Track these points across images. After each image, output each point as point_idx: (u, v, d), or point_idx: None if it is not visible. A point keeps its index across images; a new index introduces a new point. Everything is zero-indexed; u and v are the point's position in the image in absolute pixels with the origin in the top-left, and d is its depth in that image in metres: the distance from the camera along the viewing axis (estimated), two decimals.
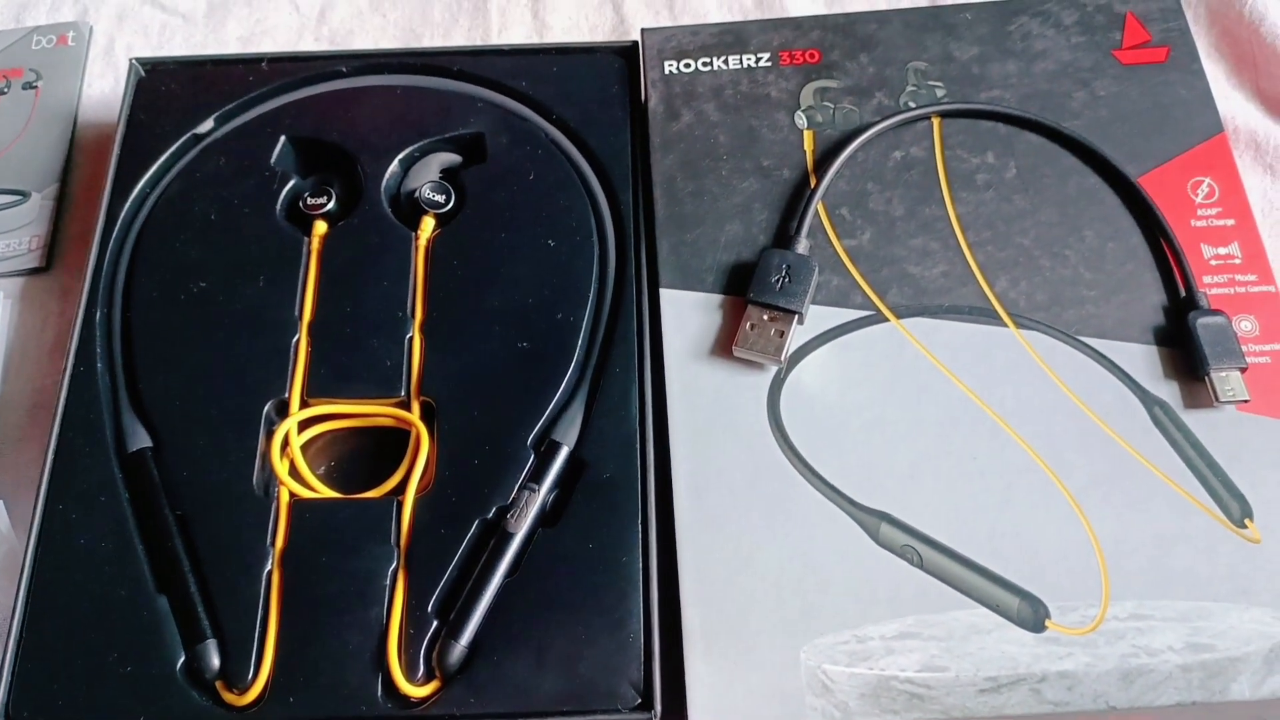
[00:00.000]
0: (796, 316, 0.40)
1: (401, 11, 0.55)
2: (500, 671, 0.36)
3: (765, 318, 0.40)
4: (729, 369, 0.40)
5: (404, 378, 0.41)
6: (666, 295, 0.42)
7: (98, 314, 0.43)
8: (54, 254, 0.49)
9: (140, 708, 0.36)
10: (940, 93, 0.45)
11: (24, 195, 0.50)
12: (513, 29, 0.54)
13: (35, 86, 0.52)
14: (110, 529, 0.39)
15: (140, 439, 0.40)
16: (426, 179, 0.46)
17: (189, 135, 0.46)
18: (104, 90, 0.53)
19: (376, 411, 0.41)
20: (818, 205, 0.42)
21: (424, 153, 0.46)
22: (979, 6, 0.47)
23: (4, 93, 0.52)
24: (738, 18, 0.54)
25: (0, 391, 0.46)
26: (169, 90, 0.48)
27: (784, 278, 0.41)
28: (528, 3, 0.55)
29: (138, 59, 0.48)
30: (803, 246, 0.41)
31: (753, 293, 0.40)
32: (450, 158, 0.47)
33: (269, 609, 0.37)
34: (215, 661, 0.37)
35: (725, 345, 0.41)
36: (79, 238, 0.49)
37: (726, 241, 0.43)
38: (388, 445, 0.42)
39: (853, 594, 0.36)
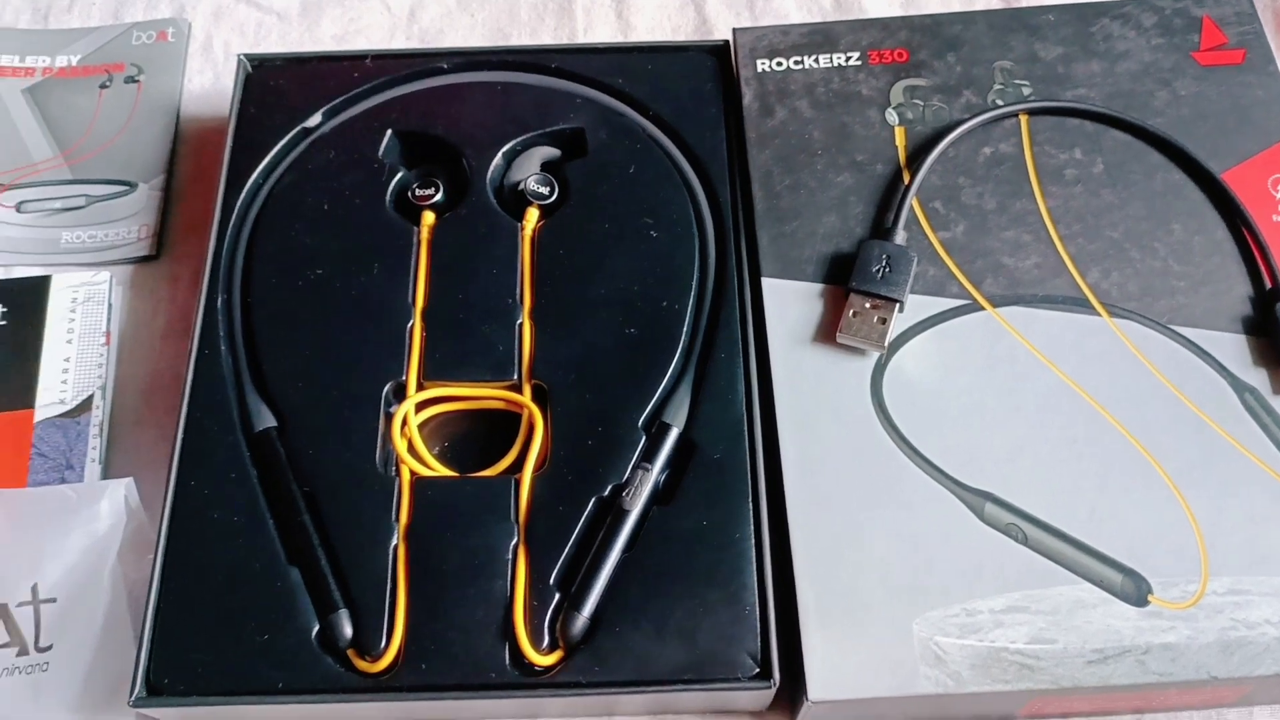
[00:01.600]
0: (898, 305, 0.42)
1: (489, 11, 0.57)
2: (622, 642, 0.38)
3: (867, 305, 0.42)
4: (831, 355, 0.42)
5: (516, 362, 0.43)
6: (768, 284, 0.43)
7: (218, 299, 0.44)
8: (162, 243, 0.51)
9: (278, 674, 0.38)
10: (1027, 91, 0.47)
11: (131, 186, 0.51)
12: (597, 28, 0.56)
13: (137, 81, 0.54)
14: (241, 504, 0.40)
15: (265, 419, 0.42)
16: (529, 172, 0.48)
17: (298, 129, 0.48)
18: (203, 85, 0.55)
19: (491, 394, 0.43)
20: (913, 199, 0.44)
21: (525, 146, 0.48)
22: (1060, 9, 0.49)
23: (106, 86, 0.54)
24: (816, 18, 0.56)
25: (115, 375, 0.47)
26: (276, 85, 0.49)
27: (884, 267, 0.42)
28: (611, 3, 0.57)
29: (245, 55, 0.49)
30: (900, 238, 0.43)
31: (855, 282, 0.42)
32: (550, 151, 0.48)
33: (397, 581, 0.39)
34: (348, 631, 0.38)
35: (827, 332, 0.42)
36: (186, 227, 0.51)
37: (824, 233, 0.44)
38: (497, 427, 0.43)
39: (960, 569, 0.38)
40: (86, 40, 0.56)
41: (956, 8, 0.55)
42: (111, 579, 0.41)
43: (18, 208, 0.51)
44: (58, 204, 0.51)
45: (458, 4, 0.57)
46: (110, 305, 0.48)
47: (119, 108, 0.53)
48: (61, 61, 0.55)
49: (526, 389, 0.43)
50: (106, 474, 0.45)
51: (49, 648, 0.40)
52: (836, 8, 0.56)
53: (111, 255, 0.50)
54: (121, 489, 0.42)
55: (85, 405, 0.45)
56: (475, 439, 0.43)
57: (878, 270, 0.42)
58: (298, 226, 0.46)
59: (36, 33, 0.56)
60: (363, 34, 0.56)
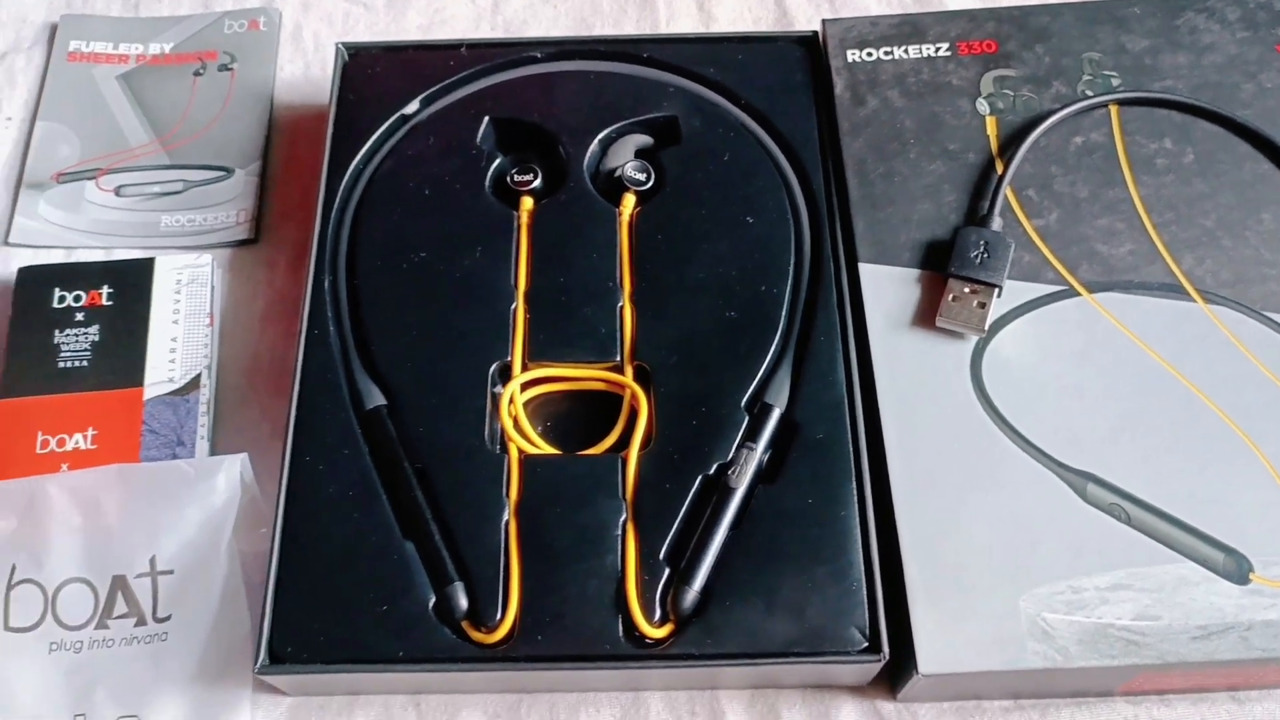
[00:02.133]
0: (997, 289, 0.42)
1: (571, 3, 0.58)
2: (732, 616, 0.39)
3: (966, 290, 0.43)
4: (930, 338, 0.43)
5: (618, 344, 0.44)
6: (865, 270, 0.44)
7: (325, 281, 0.45)
8: (259, 227, 0.52)
9: (397, 643, 0.39)
10: (1115, 82, 0.47)
11: (229, 171, 0.53)
12: (680, 20, 0.57)
13: (231, 69, 0.55)
14: (355, 479, 0.41)
15: (375, 397, 0.43)
16: (624, 159, 0.48)
17: (397, 116, 0.49)
18: (294, 74, 0.56)
19: (594, 375, 0.44)
20: (1008, 187, 0.45)
21: (620, 134, 0.49)
22: (1145, 2, 0.50)
23: (200, 74, 0.55)
24: (896, 10, 0.57)
25: (217, 356, 0.48)
26: (373, 73, 0.50)
27: (982, 253, 0.43)
28: None
29: (343, 43, 0.50)
30: (996, 224, 0.44)
31: (954, 267, 0.43)
32: (643, 139, 0.49)
33: (510, 555, 0.40)
34: (463, 602, 0.39)
35: (925, 316, 0.43)
36: (281, 212, 0.52)
37: (918, 220, 0.45)
38: (596, 406, 0.44)
39: (1064, 547, 0.39)
40: (179, 28, 0.57)
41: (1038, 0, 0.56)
42: (228, 552, 0.42)
43: (117, 191, 0.52)
44: (156, 189, 0.52)
45: None
46: (213, 287, 0.49)
47: (213, 95, 0.55)
48: (155, 49, 0.56)
49: (628, 370, 0.44)
50: (214, 450, 0.46)
51: (167, 618, 0.42)
52: (918, 1, 0.57)
53: (211, 239, 0.51)
54: (237, 464, 0.43)
55: (193, 384, 0.46)
56: (575, 418, 0.44)
57: (976, 256, 0.43)
58: (399, 211, 0.47)
59: (129, 20, 0.57)
60: (447, 24, 0.57)
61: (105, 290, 0.48)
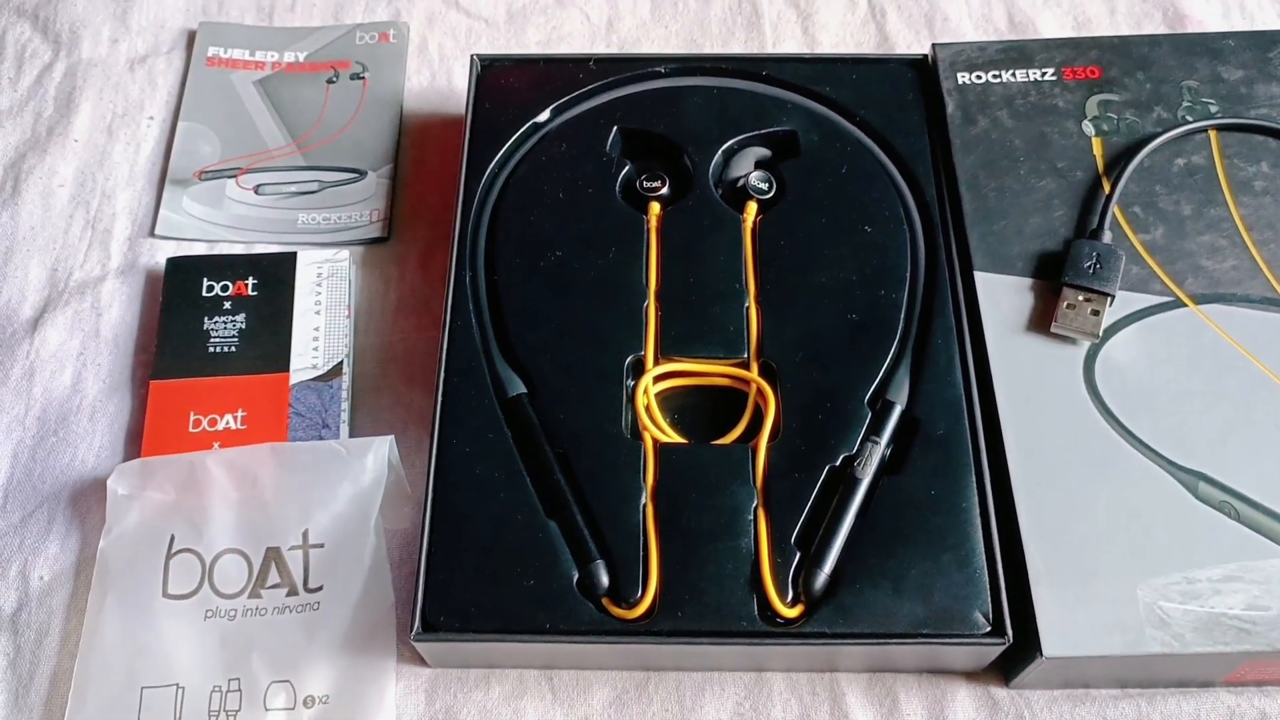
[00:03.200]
0: (1110, 298, 0.45)
1: (681, 23, 0.61)
2: (862, 598, 0.41)
3: (1080, 298, 0.45)
4: (1045, 343, 0.45)
5: (745, 341, 0.46)
6: (980, 278, 0.47)
7: (466, 276, 0.48)
8: (391, 226, 0.54)
9: (544, 615, 0.41)
10: (1213, 109, 0.50)
11: (361, 173, 0.55)
12: (785, 42, 0.60)
13: (363, 78, 0.58)
14: (500, 462, 0.44)
15: (516, 385, 0.46)
16: (746, 169, 0.51)
17: (529, 124, 0.52)
18: (421, 84, 0.59)
19: (723, 370, 0.46)
20: (1116, 203, 0.47)
21: (742, 146, 0.52)
22: (1238, 35, 0.52)
23: (334, 82, 0.58)
24: (991, 36, 0.60)
25: (354, 346, 0.51)
26: (507, 84, 0.53)
27: (1095, 264, 0.45)
28: (798, 19, 0.61)
29: (478, 55, 0.53)
30: (1107, 238, 0.46)
31: (1068, 276, 0.45)
32: (763, 151, 0.52)
33: (648, 536, 0.42)
34: (605, 579, 0.41)
35: (1039, 322, 0.46)
36: (411, 213, 0.55)
37: (1030, 232, 0.48)
38: (721, 400, 0.47)
39: (1177, 541, 0.41)
40: (312, 39, 0.60)
41: (1124, 29, 0.59)
42: (375, 528, 0.45)
43: (256, 190, 0.55)
44: (293, 188, 0.55)
45: (652, 15, 0.61)
46: (350, 281, 0.51)
47: (346, 102, 0.58)
48: (289, 57, 0.59)
49: (754, 366, 0.46)
50: (353, 434, 0.49)
51: (319, 589, 0.44)
52: (1011, 28, 0.60)
53: (345, 236, 0.54)
54: (385, 445, 0.46)
55: (335, 370, 0.49)
56: (702, 410, 0.47)
57: (1089, 266, 0.45)
58: (535, 212, 0.50)
59: (264, 29, 0.60)
60: (564, 40, 0.60)
61: (251, 281, 0.51)
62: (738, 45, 0.60)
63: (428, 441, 0.44)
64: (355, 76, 0.58)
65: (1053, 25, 0.59)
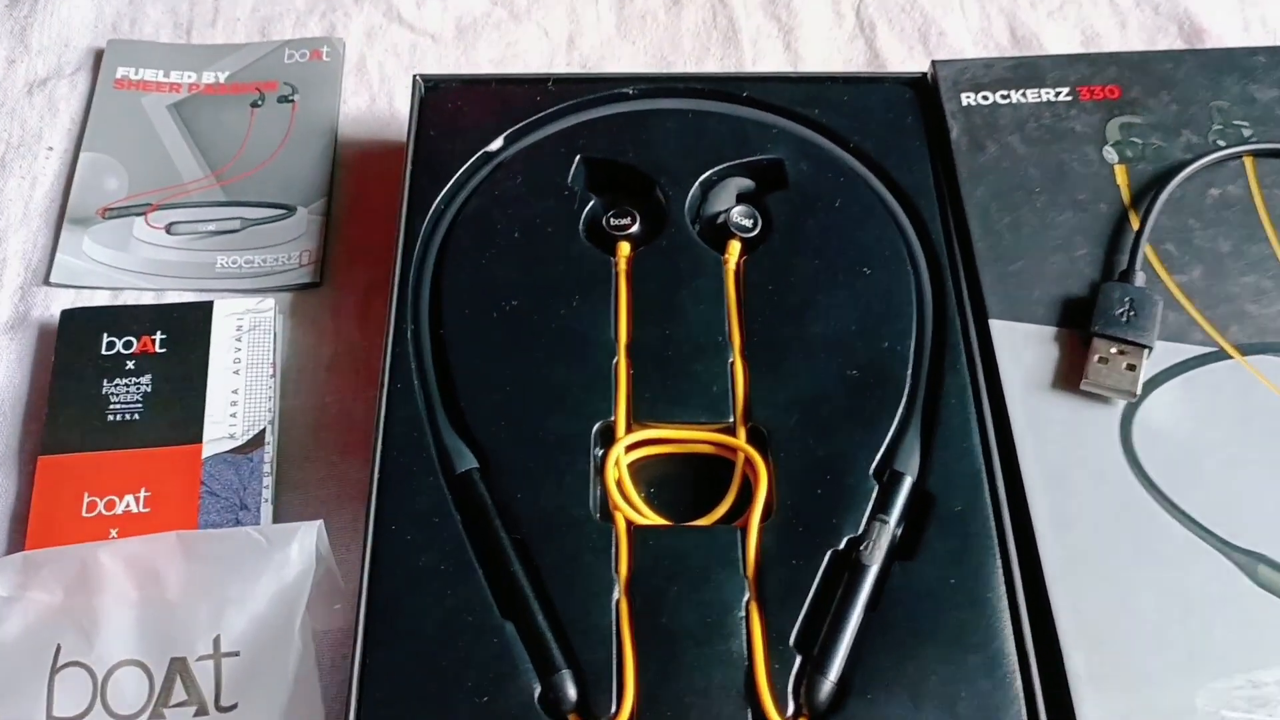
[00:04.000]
0: (1147, 350, 0.39)
1: (649, 39, 0.55)
2: (875, 711, 0.35)
3: (1114, 351, 0.39)
4: (1074, 402, 0.39)
5: (730, 403, 0.40)
6: (997, 326, 0.41)
7: (406, 331, 0.42)
8: (324, 270, 0.48)
9: None
10: (1247, 132, 0.45)
11: (290, 210, 0.49)
12: (765, 59, 0.54)
13: (292, 100, 0.52)
14: (447, 550, 0.37)
15: (466, 459, 0.39)
16: (726, 203, 0.45)
17: (480, 153, 0.46)
18: (359, 107, 0.53)
19: (707, 438, 0.40)
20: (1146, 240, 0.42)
21: (722, 177, 0.46)
22: (1270, 51, 0.47)
23: (259, 105, 0.52)
24: (993, 53, 0.54)
25: (279, 411, 0.44)
26: (454, 108, 0.47)
27: (1129, 310, 0.40)
28: (779, 35, 0.55)
29: (421, 75, 0.47)
30: (1139, 280, 0.41)
31: (1098, 325, 0.40)
32: (744, 182, 0.46)
33: (622, 639, 0.36)
34: (572, 693, 0.35)
35: (1068, 378, 0.40)
36: (348, 254, 0.48)
37: (1051, 274, 0.42)
38: (703, 472, 0.40)
39: (1238, 634, 0.35)
40: (235, 57, 0.53)
41: (1137, 44, 0.54)
42: (302, 632, 0.38)
43: (168, 229, 0.48)
44: (211, 226, 0.48)
45: (618, 31, 0.55)
46: (276, 334, 0.45)
47: (273, 128, 0.51)
48: (209, 78, 0.53)
49: (741, 432, 0.40)
50: (277, 515, 0.42)
51: (232, 707, 0.37)
52: (1014, 43, 0.54)
53: (271, 282, 0.47)
54: (313, 532, 0.39)
55: (256, 440, 0.42)
56: (680, 483, 0.41)
57: (1121, 314, 0.40)
58: (488, 255, 0.43)
59: (181, 48, 0.54)
60: (520, 59, 0.54)
61: (158, 336, 0.44)
62: (713, 63, 0.54)
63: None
64: (283, 99, 0.52)
65: (1059, 40, 0.54)
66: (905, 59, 0.54)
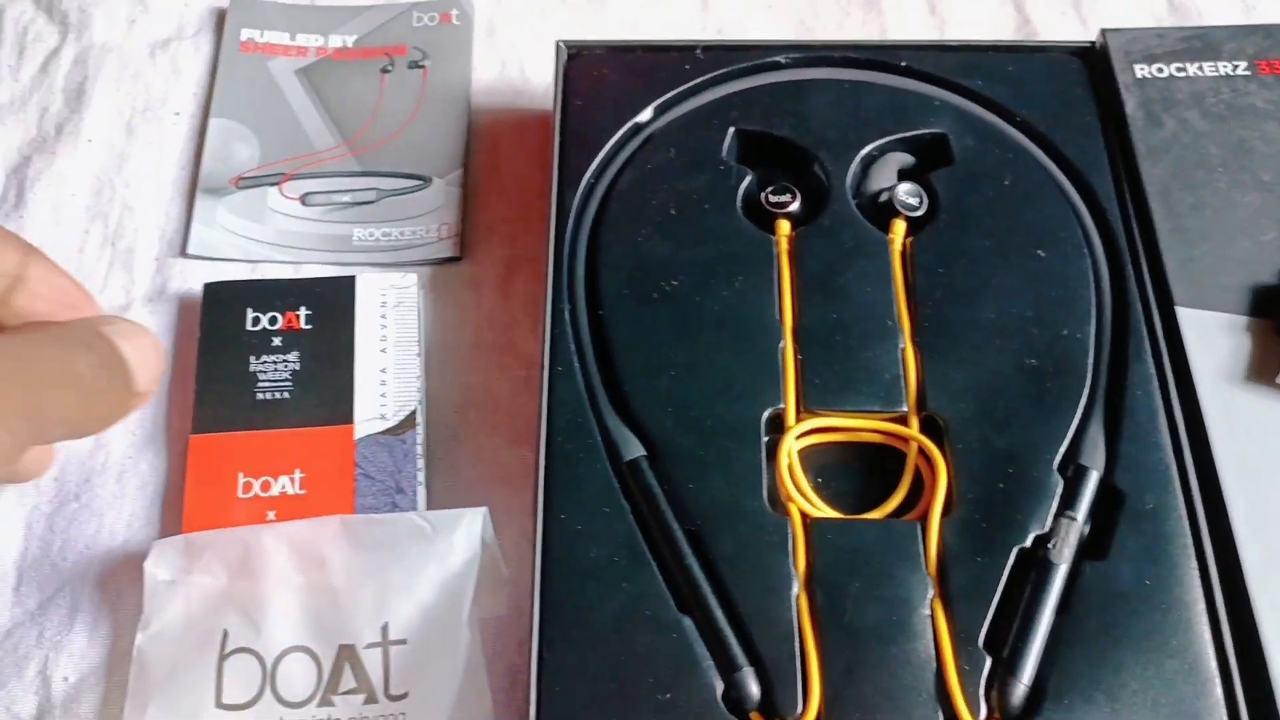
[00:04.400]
0: None
1: (787, 2, 0.52)
2: (1073, 716, 0.34)
3: None
4: (1271, 398, 0.38)
5: (902, 391, 0.39)
6: (1184, 314, 0.39)
7: (564, 310, 0.40)
8: (464, 243, 0.46)
9: None
10: None
11: (425, 180, 0.47)
12: (911, 24, 0.52)
13: (422, 66, 0.50)
14: (619, 541, 0.36)
15: (633, 447, 0.38)
16: (887, 180, 0.43)
17: (630, 124, 0.44)
18: (490, 73, 0.51)
19: (880, 427, 0.39)
20: None
21: (882, 152, 0.44)
22: None
23: (389, 71, 0.50)
24: (1148, 17, 0.52)
25: (427, 391, 0.43)
26: (599, 76, 0.45)
27: None
28: None
29: (564, 41, 0.45)
30: None
31: None
32: (905, 158, 0.44)
33: (805, 636, 0.35)
34: (756, 691, 0.34)
35: (1262, 371, 0.38)
36: (485, 226, 0.47)
37: (1237, 259, 0.40)
38: (869, 458, 0.39)
39: None
40: (361, 20, 0.51)
41: None
42: (470, 621, 0.37)
43: (303, 200, 0.47)
44: (346, 198, 0.47)
45: None
46: (419, 311, 0.44)
47: (404, 95, 0.49)
48: (336, 42, 0.51)
49: (913, 421, 0.39)
50: (430, 499, 0.41)
51: (403, 696, 0.36)
52: (1171, 9, 0.52)
53: (411, 255, 0.46)
54: (479, 519, 0.38)
55: (408, 421, 0.41)
56: (846, 471, 0.39)
57: None
58: (644, 232, 0.42)
59: (304, 8, 0.52)
60: (654, 19, 0.52)
61: (303, 311, 0.43)
62: (855, 27, 0.52)
63: (522, 507, 0.37)
64: (414, 65, 0.50)
65: (1217, 7, 0.51)
66: (1057, 25, 0.51)
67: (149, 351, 0.34)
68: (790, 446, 0.38)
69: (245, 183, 0.47)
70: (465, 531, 0.38)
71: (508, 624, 0.39)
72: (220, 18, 0.52)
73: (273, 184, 0.47)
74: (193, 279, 0.45)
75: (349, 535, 0.38)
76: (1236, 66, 0.44)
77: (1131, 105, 0.43)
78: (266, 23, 0.51)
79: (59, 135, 0.48)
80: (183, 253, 0.46)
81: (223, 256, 0.46)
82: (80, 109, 0.49)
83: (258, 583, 0.37)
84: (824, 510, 0.38)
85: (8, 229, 0.34)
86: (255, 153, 0.48)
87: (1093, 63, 0.45)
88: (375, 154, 0.48)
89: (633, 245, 0.42)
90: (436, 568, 0.37)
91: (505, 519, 0.40)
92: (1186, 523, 0.36)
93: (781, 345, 0.40)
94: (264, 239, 0.46)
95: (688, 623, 0.35)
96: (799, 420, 0.39)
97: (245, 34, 0.51)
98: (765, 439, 0.38)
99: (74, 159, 0.48)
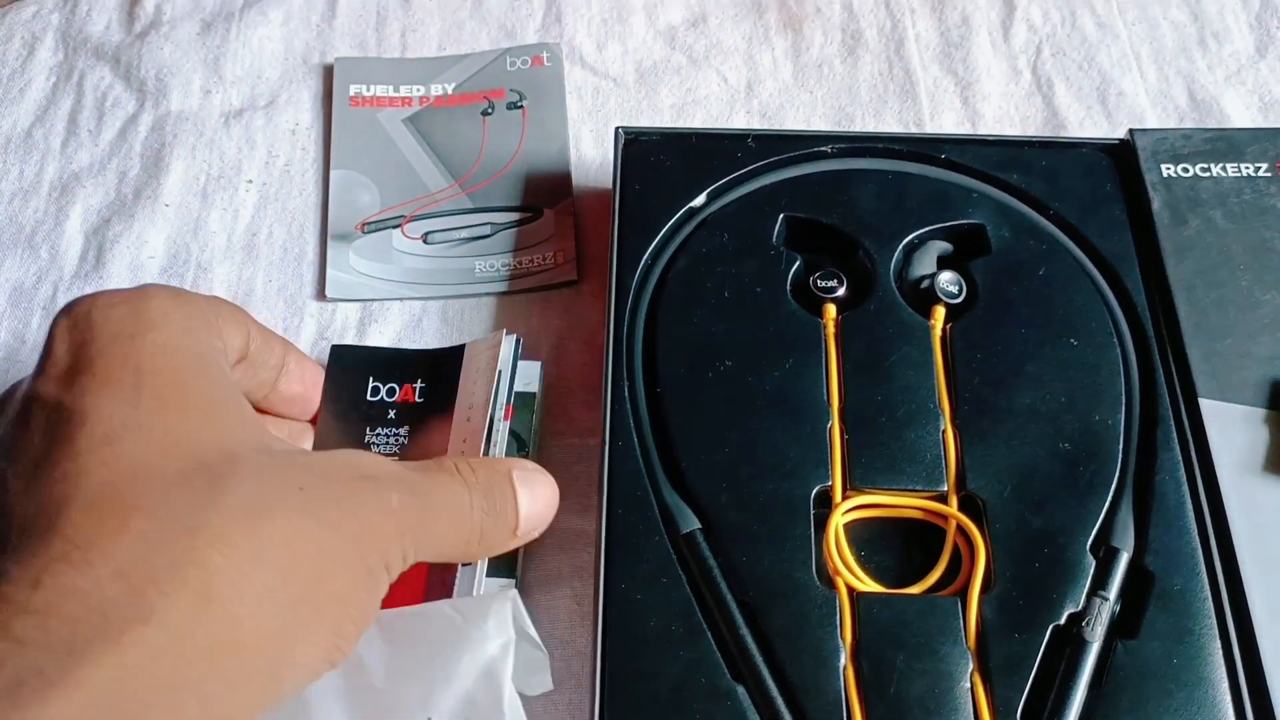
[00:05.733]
0: None
1: (827, 89, 0.55)
2: None
3: None
4: None
5: (943, 471, 0.41)
6: (1207, 406, 0.42)
7: (625, 387, 0.43)
8: (580, 267, 0.50)
9: None
10: None
11: (537, 212, 0.51)
12: (944, 114, 0.54)
13: (521, 106, 0.54)
14: (677, 611, 0.39)
15: (689, 520, 0.40)
16: (927, 267, 0.46)
17: (685, 209, 0.47)
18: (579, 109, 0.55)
19: (923, 505, 0.41)
20: None
21: (923, 241, 0.46)
22: None
23: (488, 114, 0.54)
24: (1171, 114, 0.54)
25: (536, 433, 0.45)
26: (656, 161, 0.48)
27: None
28: (956, 89, 0.55)
29: (622, 127, 0.48)
30: None
31: None
32: (943, 246, 0.47)
33: (851, 706, 0.37)
34: None
35: (1279, 463, 0.41)
36: (599, 250, 0.50)
37: (1261, 355, 0.42)
38: (906, 533, 0.41)
39: None
40: (458, 68, 0.55)
41: None
42: (511, 705, 0.37)
43: (424, 238, 0.50)
44: (464, 233, 0.51)
45: (795, 79, 0.56)
46: (513, 371, 0.44)
47: (507, 134, 0.53)
48: (436, 90, 0.55)
49: (953, 500, 0.41)
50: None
51: None
52: (1193, 105, 0.54)
53: (531, 282, 0.49)
54: (508, 603, 0.38)
55: None
56: (886, 545, 0.41)
57: None
58: (699, 313, 0.44)
59: (405, 62, 0.56)
60: (701, 105, 0.55)
61: (419, 385, 0.44)
62: (892, 116, 0.54)
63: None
64: (513, 105, 0.54)
65: (1238, 105, 0.54)
66: (1084, 119, 0.54)
67: (543, 503, 0.37)
68: (837, 523, 0.40)
69: (370, 227, 0.51)
70: (496, 618, 0.37)
71: (550, 700, 0.40)
72: (328, 75, 0.55)
73: (395, 226, 0.51)
74: (331, 319, 0.48)
75: (384, 633, 0.37)
76: (1259, 168, 0.47)
77: (1158, 203, 0.46)
78: (371, 78, 0.55)
79: (137, 199, 0.51)
80: (320, 295, 0.49)
81: (359, 297, 0.49)
82: (158, 174, 0.52)
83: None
84: (869, 584, 0.40)
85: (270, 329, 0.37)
86: (376, 198, 0.51)
87: (1121, 159, 0.48)
88: (486, 190, 0.52)
89: (688, 326, 0.44)
90: (471, 658, 0.37)
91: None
92: (1211, 604, 0.38)
93: (829, 425, 0.42)
94: (394, 278, 0.49)
95: (741, 691, 0.37)
96: (845, 497, 0.41)
97: (353, 89, 0.54)
98: (818, 515, 0.41)
99: (151, 222, 0.50)
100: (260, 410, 0.41)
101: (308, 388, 0.41)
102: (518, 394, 0.44)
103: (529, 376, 0.45)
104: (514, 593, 0.39)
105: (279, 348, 0.39)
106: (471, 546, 0.36)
